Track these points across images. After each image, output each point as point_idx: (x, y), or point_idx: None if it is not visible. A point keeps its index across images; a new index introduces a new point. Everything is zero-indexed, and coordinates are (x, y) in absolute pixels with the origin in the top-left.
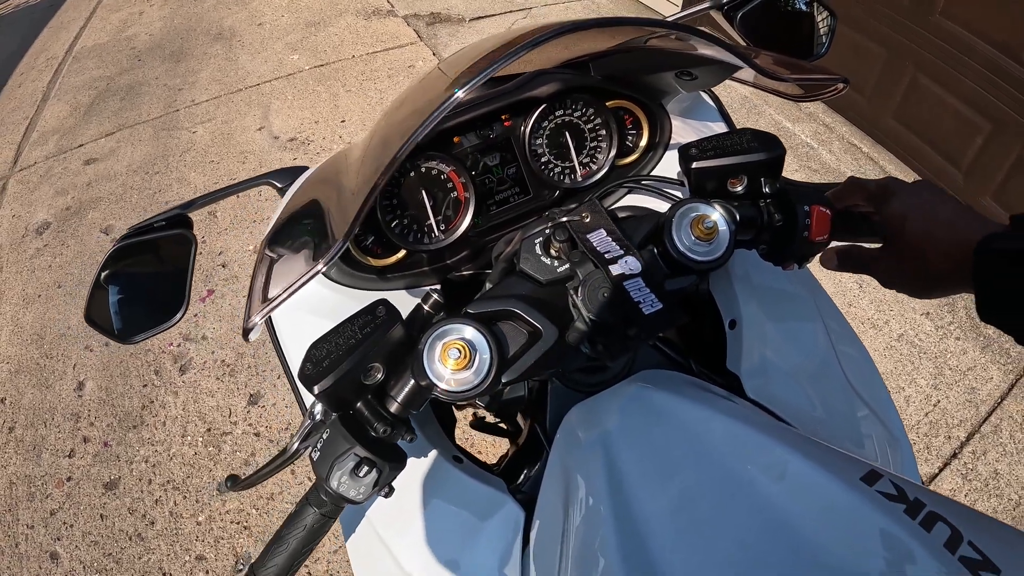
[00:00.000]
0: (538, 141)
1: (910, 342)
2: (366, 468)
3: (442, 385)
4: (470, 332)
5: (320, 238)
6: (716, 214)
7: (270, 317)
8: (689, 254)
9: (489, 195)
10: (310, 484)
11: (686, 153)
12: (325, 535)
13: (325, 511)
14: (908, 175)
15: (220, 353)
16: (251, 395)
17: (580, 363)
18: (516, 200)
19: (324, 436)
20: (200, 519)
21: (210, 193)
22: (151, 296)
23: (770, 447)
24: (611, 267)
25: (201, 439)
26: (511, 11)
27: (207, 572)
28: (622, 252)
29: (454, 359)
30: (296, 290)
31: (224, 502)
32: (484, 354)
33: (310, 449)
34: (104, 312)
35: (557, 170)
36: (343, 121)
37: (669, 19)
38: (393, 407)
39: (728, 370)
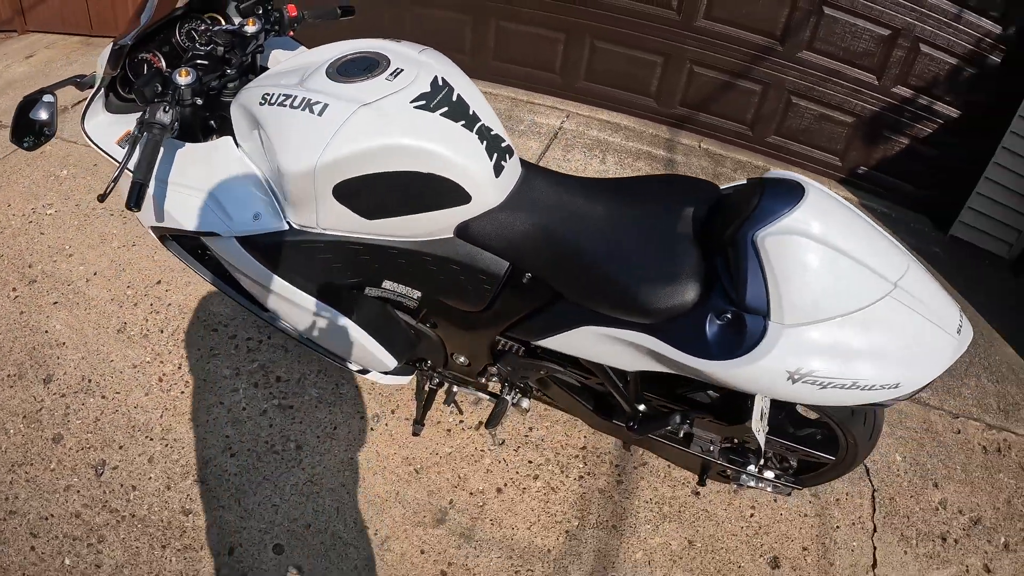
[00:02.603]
0: (182, 38)
1: None
2: (167, 105)
3: (181, 81)
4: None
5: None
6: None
7: (102, 149)
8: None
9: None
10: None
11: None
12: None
13: (156, 138)
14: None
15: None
16: (44, 378)
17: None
18: None
19: (147, 111)
20: (52, 466)
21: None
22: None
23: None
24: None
25: (22, 426)
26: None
27: (77, 493)
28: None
29: (186, 72)
30: (139, 33)
31: (65, 446)
32: (193, 71)
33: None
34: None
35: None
36: (9, 205)
37: None
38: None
39: None
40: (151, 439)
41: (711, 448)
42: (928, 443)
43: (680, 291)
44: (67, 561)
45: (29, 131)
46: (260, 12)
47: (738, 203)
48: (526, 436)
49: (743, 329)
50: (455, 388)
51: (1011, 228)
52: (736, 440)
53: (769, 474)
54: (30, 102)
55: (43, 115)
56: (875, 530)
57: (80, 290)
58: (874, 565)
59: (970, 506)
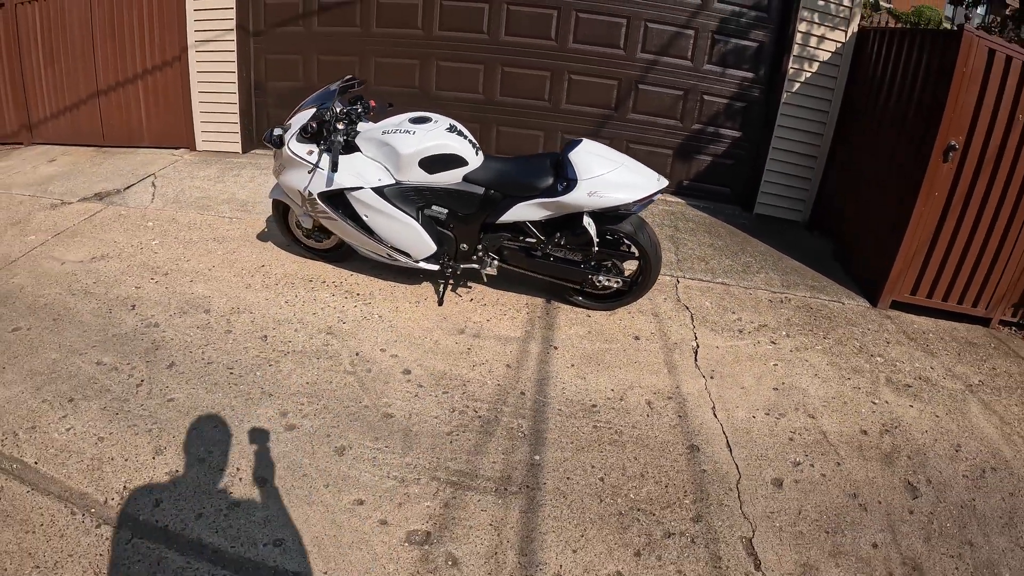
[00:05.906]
0: (323, 113)
1: None
2: (338, 135)
3: (340, 127)
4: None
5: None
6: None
7: (300, 157)
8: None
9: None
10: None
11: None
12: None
13: (336, 148)
14: None
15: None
16: (204, 310)
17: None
18: None
19: (330, 136)
20: (230, 342)
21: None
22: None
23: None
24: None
25: (199, 331)
26: (139, 181)
27: (253, 348)
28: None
29: (341, 124)
30: (332, 102)
31: (235, 333)
32: (343, 125)
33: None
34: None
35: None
36: (116, 241)
37: None
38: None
39: None
40: (292, 324)
41: (581, 266)
42: (728, 298)
43: (547, 179)
44: (258, 375)
45: (271, 140)
46: (359, 103)
47: (562, 149)
48: (496, 301)
49: (570, 184)
50: (460, 267)
51: (801, 201)
52: (590, 255)
53: (614, 275)
54: (273, 128)
55: (276, 132)
56: (695, 327)
57: (207, 274)
58: (695, 337)
59: (759, 321)
